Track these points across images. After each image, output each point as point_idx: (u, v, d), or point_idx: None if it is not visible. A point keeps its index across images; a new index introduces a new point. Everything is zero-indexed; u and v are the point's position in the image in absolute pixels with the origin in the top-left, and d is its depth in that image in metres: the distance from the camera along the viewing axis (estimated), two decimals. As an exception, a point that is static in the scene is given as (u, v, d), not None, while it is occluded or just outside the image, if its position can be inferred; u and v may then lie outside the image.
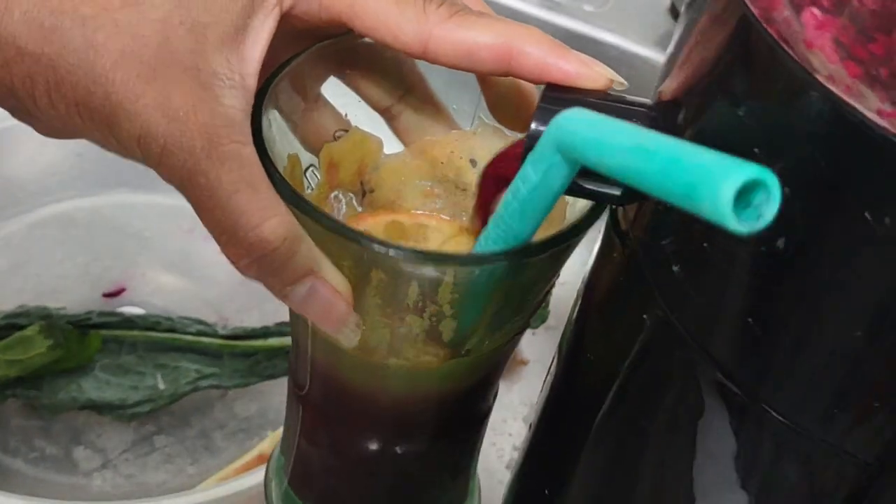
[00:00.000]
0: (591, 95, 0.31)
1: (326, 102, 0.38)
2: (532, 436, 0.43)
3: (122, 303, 0.79)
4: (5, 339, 0.72)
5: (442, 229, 0.39)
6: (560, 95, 0.31)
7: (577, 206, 0.34)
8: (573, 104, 0.31)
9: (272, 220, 0.30)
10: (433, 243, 0.38)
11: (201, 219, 0.31)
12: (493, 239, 0.31)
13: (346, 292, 0.32)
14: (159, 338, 0.74)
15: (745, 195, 0.20)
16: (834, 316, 0.25)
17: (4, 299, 0.75)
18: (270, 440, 0.70)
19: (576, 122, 0.27)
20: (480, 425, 0.40)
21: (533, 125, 0.31)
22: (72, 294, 0.78)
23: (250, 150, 0.31)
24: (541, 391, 0.43)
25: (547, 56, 0.32)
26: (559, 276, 0.35)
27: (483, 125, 0.38)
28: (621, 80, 0.32)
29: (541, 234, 0.31)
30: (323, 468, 0.41)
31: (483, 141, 0.38)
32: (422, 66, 0.38)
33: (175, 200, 0.86)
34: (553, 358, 0.42)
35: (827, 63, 0.23)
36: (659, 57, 0.77)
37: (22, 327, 0.73)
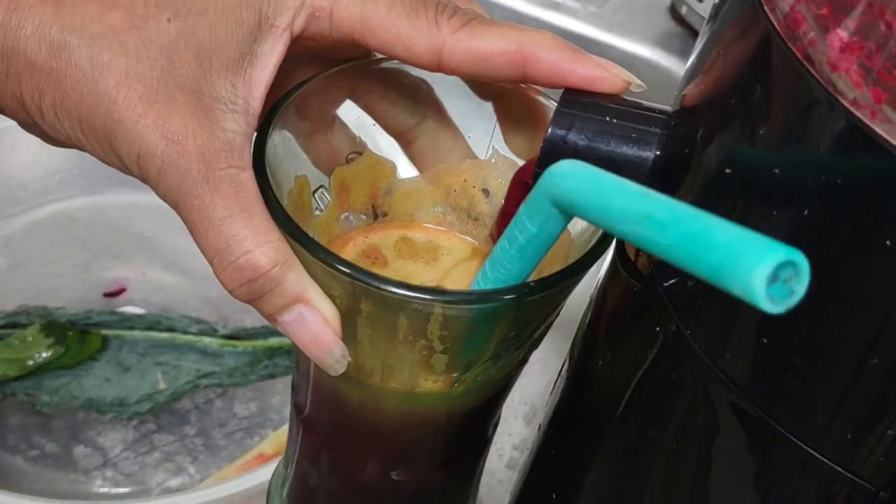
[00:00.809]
0: (609, 100, 0.31)
1: (342, 125, 0.38)
2: (541, 439, 0.43)
3: (122, 302, 0.79)
4: (5, 338, 0.72)
5: (454, 251, 0.38)
6: (578, 99, 0.31)
7: (582, 239, 0.34)
8: (591, 108, 0.31)
9: (264, 246, 0.30)
10: (443, 266, 0.38)
11: (195, 239, 0.31)
12: (491, 281, 0.31)
13: (334, 322, 0.32)
14: (159, 337, 0.74)
15: (774, 272, 0.19)
16: (849, 341, 0.25)
17: (4, 299, 0.75)
18: (271, 440, 0.70)
19: (572, 181, 0.26)
20: (480, 455, 0.40)
21: (550, 129, 0.31)
22: (72, 293, 0.78)
23: (248, 175, 0.31)
24: (550, 394, 0.43)
25: (562, 60, 0.32)
26: (559, 313, 0.35)
27: (497, 155, 0.38)
28: (638, 81, 0.32)
29: (545, 262, 0.31)
30: (320, 490, 0.41)
31: (497, 171, 0.38)
32: (439, 93, 0.38)
33: (175, 200, 0.86)
34: (564, 362, 0.42)
35: (853, 87, 0.23)
36: (659, 58, 0.78)
37: (22, 326, 0.73)
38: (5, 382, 0.70)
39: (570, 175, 0.27)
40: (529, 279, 0.31)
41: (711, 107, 0.28)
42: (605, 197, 0.25)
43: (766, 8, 0.25)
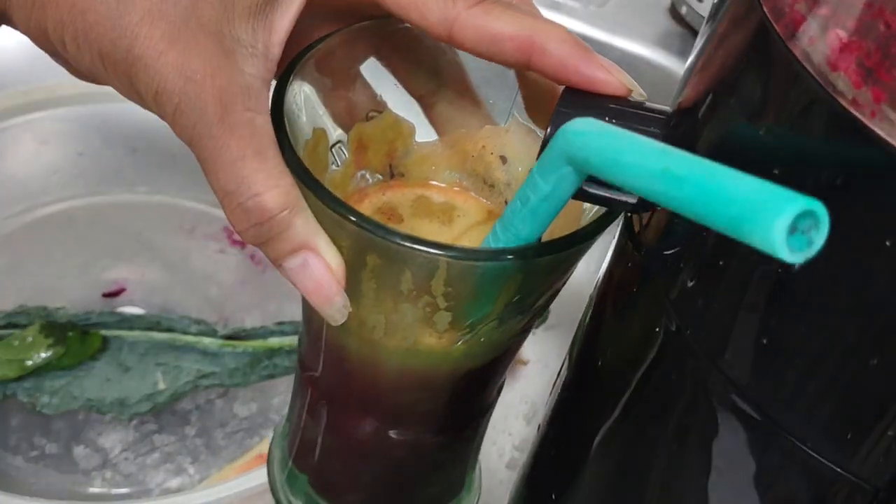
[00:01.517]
0: (609, 100, 0.31)
1: (363, 82, 0.38)
2: (540, 439, 0.43)
3: (122, 303, 0.78)
4: (5, 338, 0.72)
5: (469, 213, 0.38)
6: (578, 100, 0.31)
7: (593, 210, 0.33)
8: (591, 109, 0.31)
9: (274, 189, 0.31)
10: (458, 227, 0.38)
11: (207, 179, 0.31)
12: (501, 241, 0.31)
13: (338, 271, 0.32)
14: (159, 337, 0.74)
15: (793, 223, 0.20)
16: (849, 341, 0.25)
17: (4, 299, 0.75)
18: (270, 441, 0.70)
19: (587, 137, 0.26)
20: (481, 421, 0.40)
21: (550, 128, 0.31)
22: (71, 294, 0.78)
23: (264, 119, 0.31)
24: (550, 394, 0.43)
25: (568, 57, 0.32)
26: (566, 281, 0.35)
27: (517, 123, 0.38)
28: (641, 91, 0.32)
29: (555, 224, 0.31)
30: (318, 444, 0.40)
31: (515, 139, 0.38)
32: (462, 58, 0.38)
33: (175, 200, 0.86)
34: (563, 362, 0.42)
35: (852, 86, 0.23)
36: (659, 58, 0.77)
37: (22, 327, 0.73)
38: (5, 383, 0.70)
39: (585, 132, 0.27)
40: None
41: (711, 107, 0.28)
42: (620, 153, 0.25)
43: (765, 8, 0.25)
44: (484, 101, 0.39)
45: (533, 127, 0.37)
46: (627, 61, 0.77)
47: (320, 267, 0.32)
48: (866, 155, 0.23)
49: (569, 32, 0.32)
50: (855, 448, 0.27)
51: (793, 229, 0.20)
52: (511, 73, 0.37)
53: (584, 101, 0.31)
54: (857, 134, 0.22)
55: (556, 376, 0.42)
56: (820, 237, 0.20)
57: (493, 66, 0.36)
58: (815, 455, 0.27)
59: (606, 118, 0.30)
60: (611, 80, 0.31)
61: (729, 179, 0.21)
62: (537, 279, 0.33)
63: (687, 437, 0.32)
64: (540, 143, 0.37)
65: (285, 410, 0.74)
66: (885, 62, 0.22)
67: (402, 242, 0.29)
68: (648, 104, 0.31)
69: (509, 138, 0.38)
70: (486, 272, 0.31)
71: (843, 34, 0.23)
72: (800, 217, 0.20)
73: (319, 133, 0.36)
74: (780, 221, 0.19)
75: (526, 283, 0.32)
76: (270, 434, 0.70)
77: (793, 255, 0.20)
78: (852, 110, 0.22)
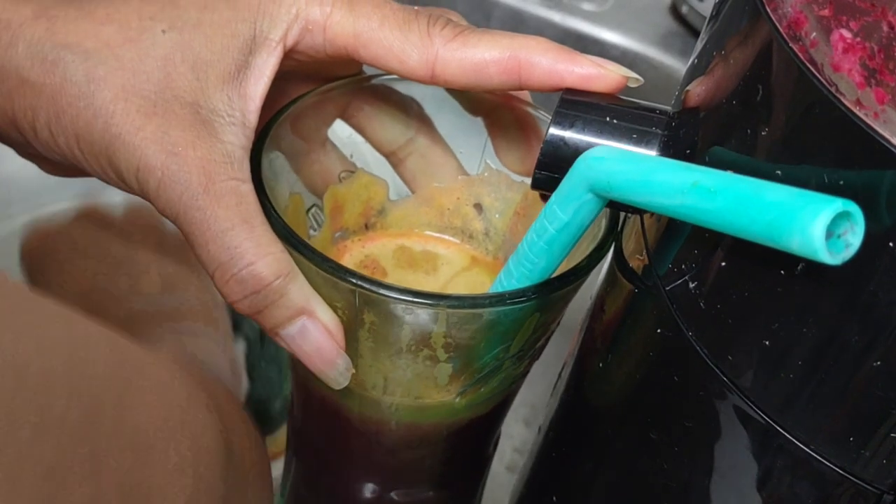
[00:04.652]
0: (609, 100, 0.31)
1: (332, 145, 0.38)
2: (541, 442, 0.43)
3: (122, 302, 0.78)
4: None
5: (452, 260, 0.38)
6: (578, 100, 0.31)
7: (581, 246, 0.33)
8: (591, 109, 0.31)
9: (266, 257, 0.30)
10: (443, 276, 0.38)
11: (195, 252, 0.31)
12: (516, 278, 0.30)
13: (337, 333, 0.32)
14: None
15: (829, 228, 0.20)
16: (852, 343, 0.25)
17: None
18: (268, 442, 0.70)
19: (610, 162, 0.26)
20: (480, 475, 0.40)
21: (551, 129, 0.31)
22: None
23: (248, 187, 0.31)
24: (550, 396, 0.43)
25: (557, 62, 0.31)
26: (560, 320, 0.34)
27: (489, 170, 0.38)
28: (635, 76, 0.32)
29: None
30: None
31: (489, 186, 0.38)
32: (429, 110, 0.38)
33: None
34: (563, 365, 0.42)
35: (855, 88, 0.23)
36: (660, 56, 0.77)
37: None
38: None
39: (606, 158, 0.27)
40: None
41: (713, 107, 0.28)
42: (646, 173, 0.25)
43: (767, 8, 0.25)
44: (454, 152, 0.38)
45: (507, 172, 0.37)
46: (628, 60, 0.77)
47: (319, 331, 0.31)
48: (869, 157, 0.23)
49: (548, 40, 0.32)
50: (858, 450, 0.26)
51: (829, 234, 0.20)
52: (479, 122, 0.37)
53: (584, 101, 0.31)
54: (860, 136, 0.22)
55: (556, 379, 0.42)
56: (857, 238, 0.20)
57: (461, 116, 0.36)
58: (819, 457, 0.27)
59: (608, 118, 0.30)
60: (605, 73, 0.31)
61: (761, 188, 0.21)
62: (534, 321, 0.32)
63: (689, 440, 0.32)
64: (514, 186, 0.37)
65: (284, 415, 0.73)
66: (889, 63, 0.22)
67: (399, 297, 0.29)
68: (649, 104, 0.31)
69: (483, 186, 0.38)
70: (492, 317, 0.31)
71: (846, 35, 0.23)
72: (836, 220, 0.20)
73: (296, 199, 0.36)
74: (818, 223, 0.20)
75: (529, 324, 0.32)
76: (268, 435, 0.70)
77: (832, 257, 0.20)
78: (856, 111, 0.22)
